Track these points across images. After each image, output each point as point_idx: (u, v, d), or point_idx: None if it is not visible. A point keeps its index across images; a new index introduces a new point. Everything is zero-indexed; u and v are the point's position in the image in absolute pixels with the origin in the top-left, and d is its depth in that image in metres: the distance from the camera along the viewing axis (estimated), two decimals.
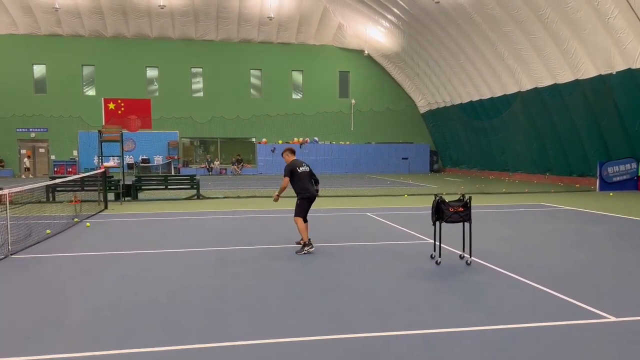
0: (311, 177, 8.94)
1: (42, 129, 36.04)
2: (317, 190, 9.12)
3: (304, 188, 8.79)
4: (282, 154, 9.30)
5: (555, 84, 24.55)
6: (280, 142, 37.96)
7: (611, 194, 20.47)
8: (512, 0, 22.67)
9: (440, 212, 7.49)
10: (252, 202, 17.39)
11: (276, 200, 9.23)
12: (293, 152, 9.26)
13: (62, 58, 36.05)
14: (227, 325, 5.11)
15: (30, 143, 36.29)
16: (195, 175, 19.60)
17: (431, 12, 27.84)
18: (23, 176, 34.49)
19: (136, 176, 20.65)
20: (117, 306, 5.76)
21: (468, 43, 28.43)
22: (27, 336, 4.84)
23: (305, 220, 8.79)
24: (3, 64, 35.43)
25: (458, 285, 6.60)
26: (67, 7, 33.12)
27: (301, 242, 8.76)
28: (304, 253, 8.52)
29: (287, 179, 8.79)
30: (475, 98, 32.00)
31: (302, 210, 8.74)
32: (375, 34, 35.52)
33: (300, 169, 8.82)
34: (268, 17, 33.82)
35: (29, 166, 35.59)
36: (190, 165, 37.77)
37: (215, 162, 38.05)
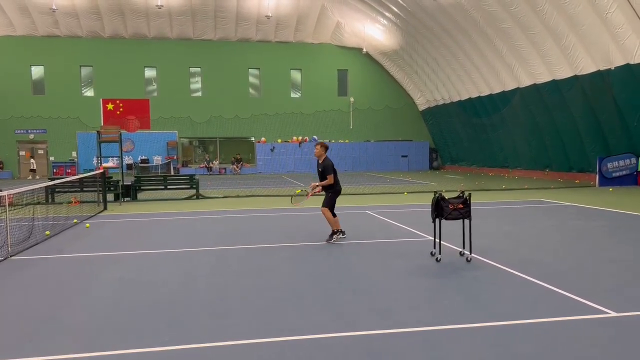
0: None
1: (40, 130, 36.00)
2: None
3: (339, 183, 9.46)
4: (317, 146, 9.50)
5: (553, 80, 24.53)
6: (279, 141, 37.96)
7: (611, 189, 20.47)
8: None
9: (440, 209, 7.49)
10: (251, 201, 17.38)
11: (313, 193, 9.58)
12: (327, 148, 9.60)
13: (60, 59, 36.00)
14: (228, 324, 5.11)
15: (29, 144, 36.25)
16: (194, 175, 19.60)
17: (429, 9, 27.81)
18: (30, 177, 34.36)
19: (135, 177, 20.63)
20: (118, 306, 5.75)
21: (466, 40, 28.41)
22: (28, 337, 4.83)
23: (335, 215, 9.46)
24: (1, 66, 35.36)
25: (459, 282, 6.60)
26: (65, 8, 33.06)
27: (332, 231, 9.39)
28: (333, 241, 9.26)
29: (332, 176, 9.26)
30: (474, 95, 31.98)
31: (332, 202, 9.35)
32: (373, 32, 35.49)
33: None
34: (266, 16, 33.77)
35: (34, 168, 35.40)
36: (189, 165, 37.76)
37: (214, 162, 38.04)
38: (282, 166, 37.20)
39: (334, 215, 9.42)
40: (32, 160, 35.48)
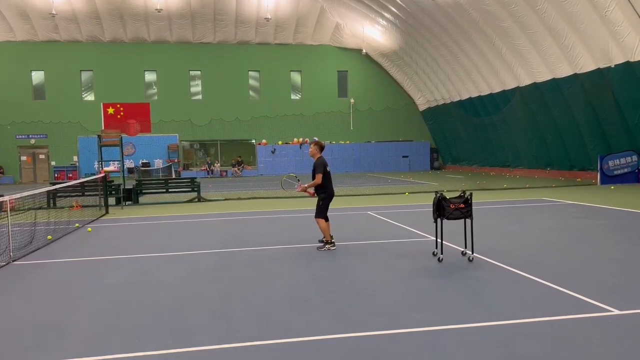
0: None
1: (41, 136, 36.05)
2: None
3: (331, 186, 8.99)
4: (311, 145, 9.11)
5: (553, 78, 24.52)
6: (280, 143, 37.98)
7: (613, 187, 20.45)
8: None
9: (442, 209, 7.48)
10: (253, 203, 17.38)
11: (313, 194, 9.07)
12: (322, 148, 9.14)
13: (60, 64, 36.07)
14: (231, 327, 5.10)
15: (30, 149, 36.31)
16: (195, 178, 19.61)
17: (428, 9, 27.83)
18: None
19: (137, 180, 20.65)
20: (121, 310, 5.75)
21: (466, 39, 28.41)
22: (31, 343, 4.83)
23: (327, 219, 9.03)
24: (1, 71, 35.43)
25: (461, 282, 6.60)
26: (64, 12, 33.13)
27: (324, 240, 9.03)
28: (325, 249, 8.83)
29: (321, 175, 8.76)
30: (474, 94, 31.98)
31: (324, 211, 8.92)
32: (372, 33, 35.52)
33: (328, 167, 8.97)
34: (265, 18, 33.81)
35: (3, 170, 35.23)
36: (190, 168, 37.78)
37: (215, 165, 38.06)
38: (283, 168, 37.16)
39: (327, 219, 8.96)
40: None
